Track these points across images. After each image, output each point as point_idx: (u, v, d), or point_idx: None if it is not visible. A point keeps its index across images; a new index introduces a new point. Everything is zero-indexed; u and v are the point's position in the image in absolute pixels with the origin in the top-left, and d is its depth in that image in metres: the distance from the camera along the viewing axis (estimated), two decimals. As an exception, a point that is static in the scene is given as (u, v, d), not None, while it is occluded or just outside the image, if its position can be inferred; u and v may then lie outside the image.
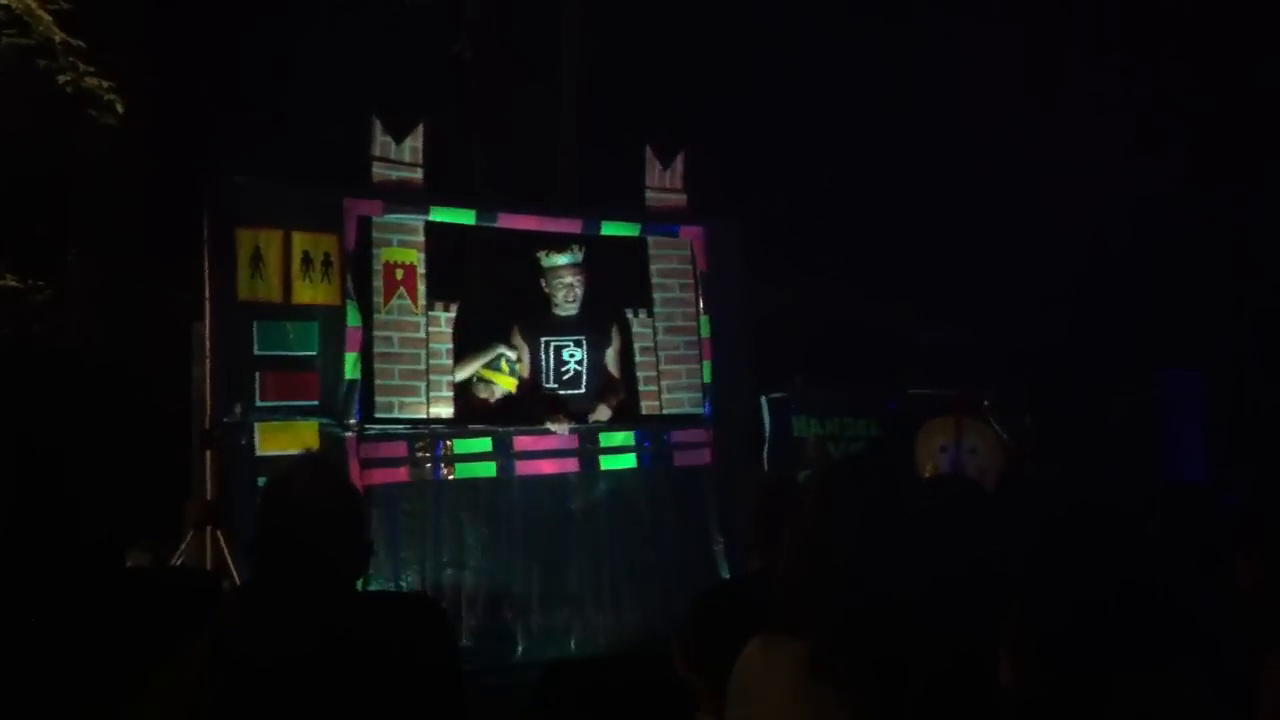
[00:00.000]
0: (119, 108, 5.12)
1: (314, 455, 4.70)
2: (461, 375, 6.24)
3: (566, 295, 6.41)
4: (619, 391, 6.56)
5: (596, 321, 6.56)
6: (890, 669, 1.91)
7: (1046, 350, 8.10)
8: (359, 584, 2.43)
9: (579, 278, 6.43)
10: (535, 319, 6.52)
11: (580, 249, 6.47)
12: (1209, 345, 7.56)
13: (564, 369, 6.46)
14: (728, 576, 6.34)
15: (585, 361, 6.48)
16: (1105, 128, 8.59)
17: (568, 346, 6.47)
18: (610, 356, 6.59)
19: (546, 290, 6.48)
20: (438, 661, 2.31)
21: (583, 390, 6.46)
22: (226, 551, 5.06)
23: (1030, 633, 1.91)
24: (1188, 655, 1.91)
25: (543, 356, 6.44)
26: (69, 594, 2.03)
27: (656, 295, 6.77)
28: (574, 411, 6.30)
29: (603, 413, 6.38)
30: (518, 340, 6.47)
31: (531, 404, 6.36)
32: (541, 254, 6.48)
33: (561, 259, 6.43)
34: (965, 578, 2.11)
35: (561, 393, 6.42)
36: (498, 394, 6.43)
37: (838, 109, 9.58)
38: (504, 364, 6.47)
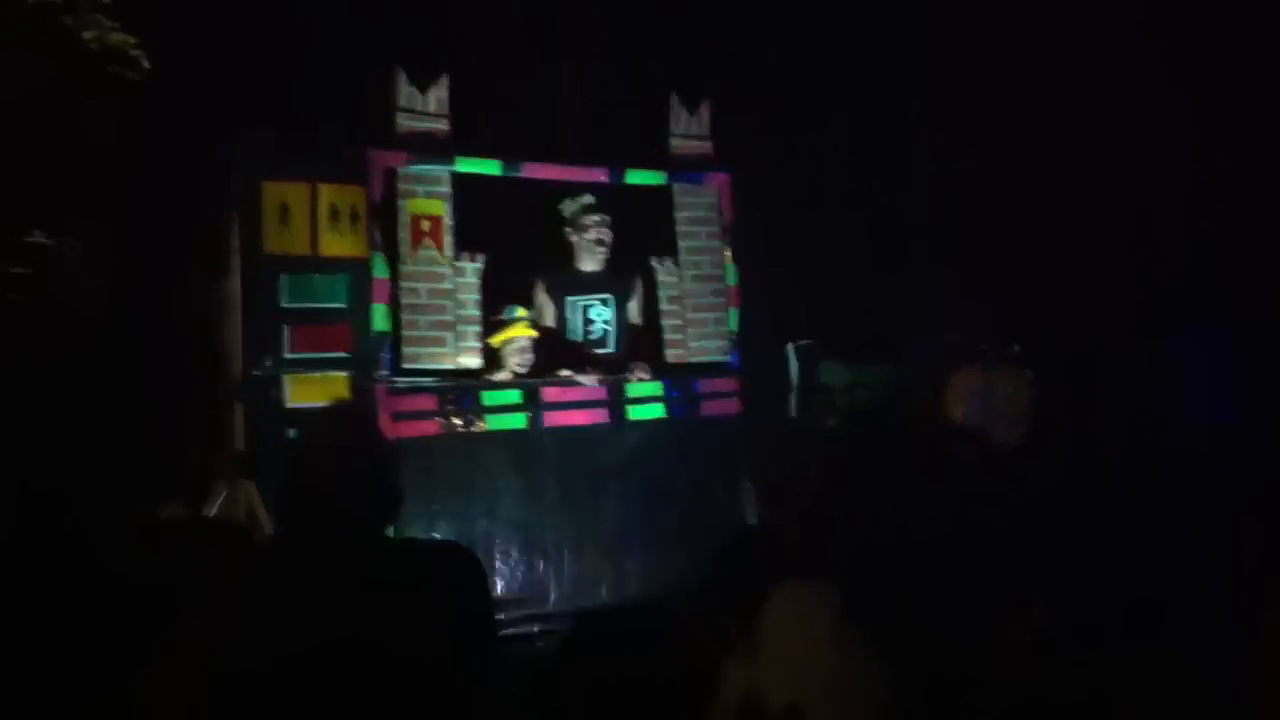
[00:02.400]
0: (144, 63, 5.10)
1: (340, 406, 4.72)
2: (496, 363, 6.07)
3: (596, 241, 6.36)
4: (646, 346, 6.55)
5: (620, 276, 6.53)
6: (913, 629, 1.93)
7: (1076, 309, 7.94)
8: (391, 533, 2.46)
9: (607, 221, 6.40)
10: (559, 275, 6.45)
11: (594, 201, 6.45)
12: (1239, 291, 7.41)
13: (591, 328, 6.44)
14: (755, 523, 6.37)
15: (613, 320, 6.47)
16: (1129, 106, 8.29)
17: (594, 306, 6.44)
18: (633, 309, 6.58)
19: (573, 239, 6.44)
20: (473, 607, 2.33)
21: (611, 349, 6.46)
22: (257, 503, 5.11)
23: (1034, 624, 1.93)
24: (1186, 635, 1.93)
25: (569, 316, 6.41)
26: (80, 566, 2.05)
27: (682, 243, 6.73)
28: (602, 363, 6.31)
29: (644, 371, 6.35)
30: (541, 297, 6.41)
31: (559, 357, 6.34)
32: (566, 201, 6.45)
33: (586, 197, 6.40)
34: (978, 562, 2.12)
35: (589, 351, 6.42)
36: (526, 347, 6.09)
37: (845, 105, 9.38)
38: (516, 317, 6.14)
